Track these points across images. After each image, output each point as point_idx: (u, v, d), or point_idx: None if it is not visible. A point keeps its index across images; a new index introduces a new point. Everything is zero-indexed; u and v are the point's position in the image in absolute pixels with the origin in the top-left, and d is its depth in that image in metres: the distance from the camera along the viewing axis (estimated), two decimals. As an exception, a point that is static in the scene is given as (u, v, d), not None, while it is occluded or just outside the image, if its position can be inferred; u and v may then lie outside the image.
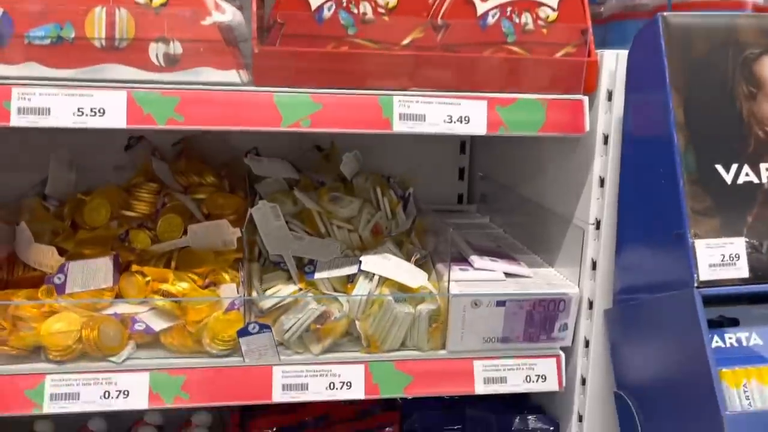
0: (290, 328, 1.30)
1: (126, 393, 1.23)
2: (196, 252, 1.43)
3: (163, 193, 1.56)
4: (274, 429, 1.48)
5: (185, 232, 1.47)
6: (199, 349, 1.29)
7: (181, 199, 1.52)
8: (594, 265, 1.35)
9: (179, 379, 1.25)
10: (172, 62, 1.15)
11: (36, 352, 1.25)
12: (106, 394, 1.22)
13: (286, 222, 1.47)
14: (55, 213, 1.54)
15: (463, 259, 1.47)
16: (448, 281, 1.34)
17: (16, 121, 1.10)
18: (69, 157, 1.66)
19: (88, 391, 1.22)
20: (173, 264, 1.41)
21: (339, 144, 1.83)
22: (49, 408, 1.20)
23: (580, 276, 1.38)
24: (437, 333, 1.35)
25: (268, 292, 1.36)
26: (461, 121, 1.24)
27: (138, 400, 1.23)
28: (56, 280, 1.25)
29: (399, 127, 1.22)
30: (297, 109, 1.18)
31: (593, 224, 1.34)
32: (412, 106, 1.22)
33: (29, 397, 1.20)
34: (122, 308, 1.32)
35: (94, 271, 1.29)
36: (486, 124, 1.25)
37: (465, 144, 2.05)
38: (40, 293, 1.28)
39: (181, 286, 1.33)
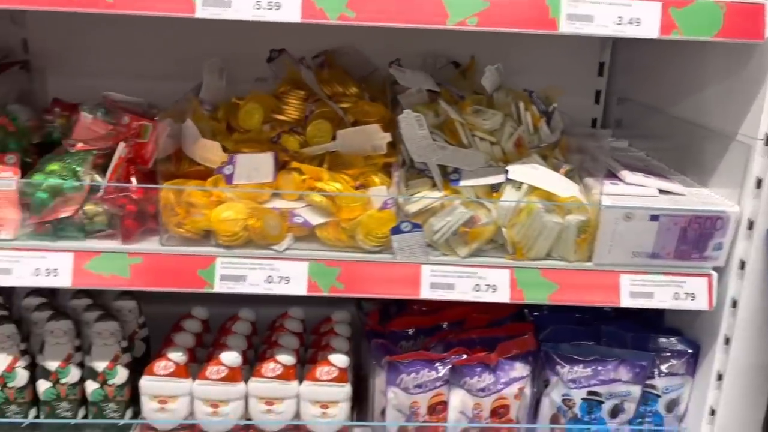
0: (440, 229, 1.34)
1: (287, 279, 1.31)
2: (345, 156, 1.48)
3: (311, 100, 1.61)
4: (412, 330, 1.54)
5: (333, 138, 1.52)
6: (352, 244, 1.35)
7: (331, 105, 1.56)
8: (758, 183, 1.29)
9: (335, 270, 1.32)
10: (343, -42, 1.16)
11: (206, 237, 1.35)
12: (269, 278, 1.31)
13: (429, 132, 1.49)
14: (209, 116, 1.63)
15: (612, 175, 1.44)
16: (600, 193, 1.33)
17: (200, 12, 1.16)
18: (221, 65, 1.73)
19: (253, 275, 1.31)
20: (325, 167, 1.46)
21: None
22: (219, 287, 1.30)
23: (740, 195, 1.32)
24: (584, 244, 1.34)
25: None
26: (632, 23, 1.19)
27: (297, 286, 1.31)
28: (226, 171, 1.34)
29: (565, 27, 1.19)
30: (464, 6, 1.17)
31: (762, 140, 1.27)
32: (581, 6, 1.18)
33: (202, 276, 1.30)
34: (280, 202, 1.40)
35: (258, 165, 1.37)
36: (658, 27, 1.19)
37: (603, 66, 1.97)
38: (209, 183, 1.38)
39: (335, 186, 1.39)
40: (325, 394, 1.42)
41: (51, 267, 1.28)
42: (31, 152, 1.46)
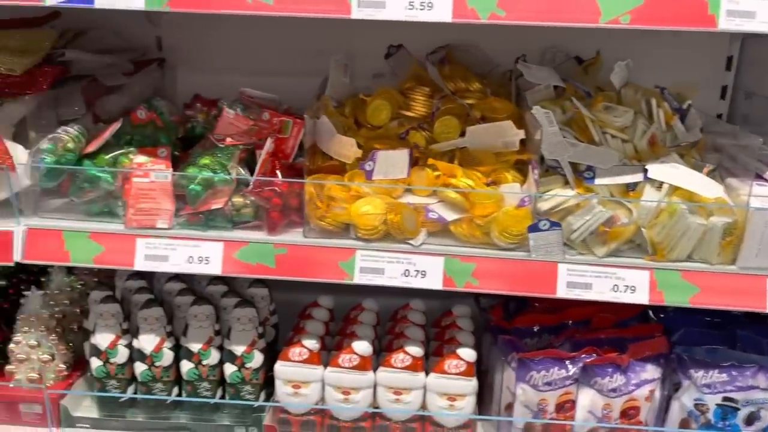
0: (578, 228, 1.33)
1: (423, 273, 1.34)
2: (475, 152, 1.49)
3: (437, 97, 1.62)
4: (537, 327, 1.54)
5: (461, 134, 1.53)
6: (487, 240, 1.37)
7: (458, 101, 1.58)
8: None
9: (470, 266, 1.34)
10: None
11: (345, 230, 1.40)
12: (406, 272, 1.34)
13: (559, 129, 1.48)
14: (336, 112, 1.67)
15: (756, 176, 1.38)
16: (749, 194, 1.29)
17: (356, 13, 1.19)
18: (345, 62, 1.78)
19: (391, 268, 1.34)
20: (456, 163, 1.48)
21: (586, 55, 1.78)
22: (358, 279, 1.35)
23: None
24: (729, 247, 1.30)
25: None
26: (798, 20, 1.14)
27: (433, 281, 1.34)
28: (366, 167, 1.38)
29: (725, 24, 1.15)
30: (617, 4, 1.16)
31: None
32: (742, 2, 1.14)
33: (343, 268, 1.35)
34: (413, 198, 1.43)
35: (395, 162, 1.40)
36: (826, 24, 1.14)
37: (731, 60, 1.89)
38: (347, 178, 1.42)
39: (467, 182, 1.41)
40: (453, 387, 1.45)
41: (203, 255, 1.35)
42: (176, 146, 1.55)
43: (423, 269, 1.34)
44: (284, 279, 1.36)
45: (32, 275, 1.76)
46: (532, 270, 1.33)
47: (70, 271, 1.71)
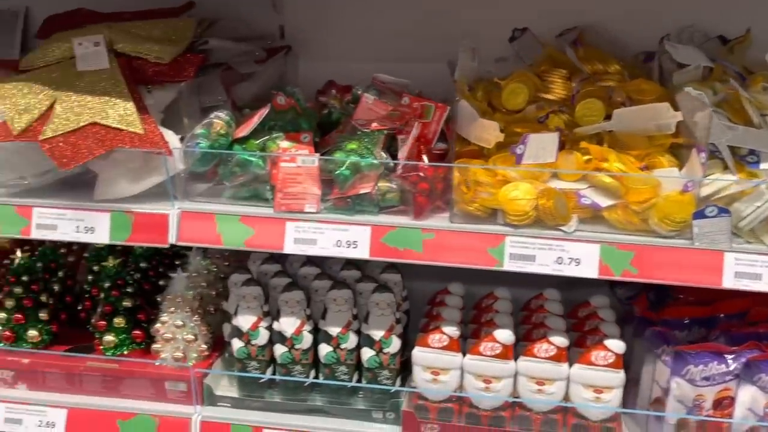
0: (748, 215, 1.26)
1: (577, 261, 1.30)
2: (622, 136, 1.43)
3: (576, 79, 1.57)
4: (687, 320, 1.47)
5: (605, 117, 1.47)
6: (644, 227, 1.31)
7: (600, 84, 1.52)
8: None
9: (628, 254, 1.28)
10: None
11: (491, 215, 1.37)
12: (559, 259, 1.30)
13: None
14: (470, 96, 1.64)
15: None
16: None
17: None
18: (473, 46, 1.74)
19: (542, 255, 1.31)
20: (605, 146, 1.42)
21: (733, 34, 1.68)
22: (507, 266, 1.32)
23: None
24: None
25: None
26: None
27: (588, 269, 1.30)
28: (517, 150, 1.34)
29: None
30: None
31: None
32: None
33: (491, 254, 1.32)
34: (560, 183, 1.38)
35: (545, 145, 1.36)
36: None
37: None
38: (492, 162, 1.39)
39: (620, 167, 1.35)
40: (601, 378, 1.40)
41: (351, 239, 1.36)
42: (316, 131, 1.55)
43: (577, 257, 1.30)
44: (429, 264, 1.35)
45: (167, 258, 1.83)
46: (695, 259, 1.27)
47: (204, 254, 1.76)
